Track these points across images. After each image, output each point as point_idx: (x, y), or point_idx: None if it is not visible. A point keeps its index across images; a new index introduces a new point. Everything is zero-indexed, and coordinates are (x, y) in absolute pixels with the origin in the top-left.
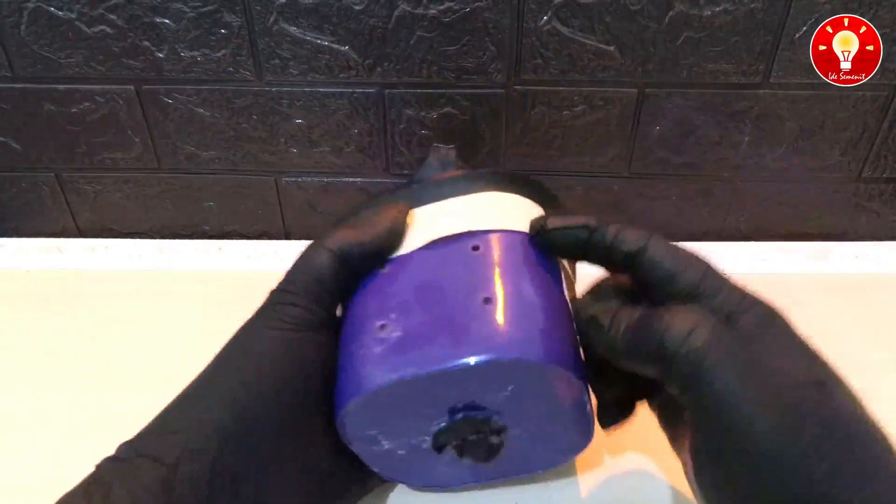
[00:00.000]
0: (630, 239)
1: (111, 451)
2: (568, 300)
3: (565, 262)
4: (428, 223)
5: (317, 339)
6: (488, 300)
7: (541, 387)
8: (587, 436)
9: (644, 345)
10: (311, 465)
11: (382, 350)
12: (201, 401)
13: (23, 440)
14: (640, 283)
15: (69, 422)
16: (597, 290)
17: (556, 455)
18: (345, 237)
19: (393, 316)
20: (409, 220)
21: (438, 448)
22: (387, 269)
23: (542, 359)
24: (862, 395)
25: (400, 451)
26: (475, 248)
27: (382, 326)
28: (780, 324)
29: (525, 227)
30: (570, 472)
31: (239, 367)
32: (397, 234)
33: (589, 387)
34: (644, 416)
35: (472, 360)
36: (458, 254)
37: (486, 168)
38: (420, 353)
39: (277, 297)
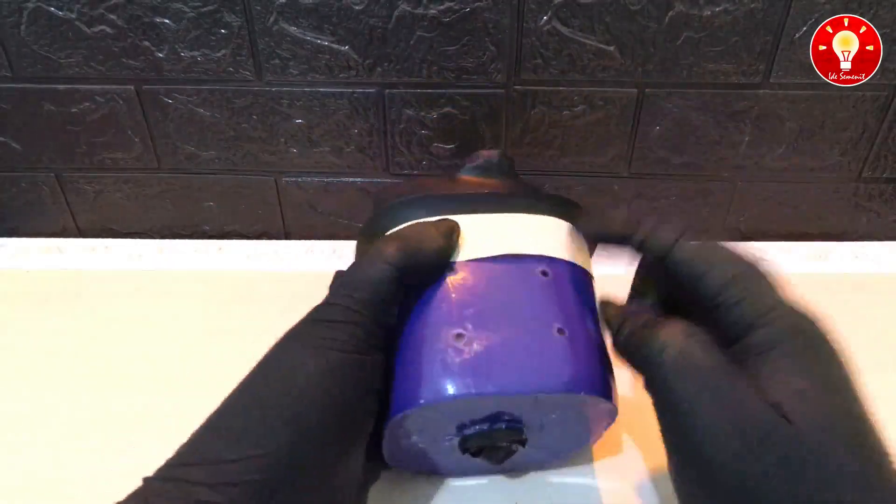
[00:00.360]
0: (659, 240)
1: (111, 451)
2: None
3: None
4: (500, 234)
5: (377, 361)
6: (562, 332)
7: (584, 414)
8: (587, 444)
9: (635, 353)
10: (340, 483)
11: (462, 361)
12: (268, 425)
13: (23, 440)
14: (674, 284)
15: (69, 422)
16: (637, 288)
17: (552, 458)
18: (404, 250)
19: (469, 326)
20: (479, 223)
21: (465, 449)
22: (457, 273)
23: (604, 394)
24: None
25: (421, 446)
26: (544, 274)
27: (459, 336)
28: (797, 341)
29: (584, 263)
30: (570, 470)
31: (304, 397)
32: (448, 254)
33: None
34: (644, 417)
35: (555, 389)
36: (529, 275)
37: (555, 193)
38: (502, 374)
39: (337, 314)
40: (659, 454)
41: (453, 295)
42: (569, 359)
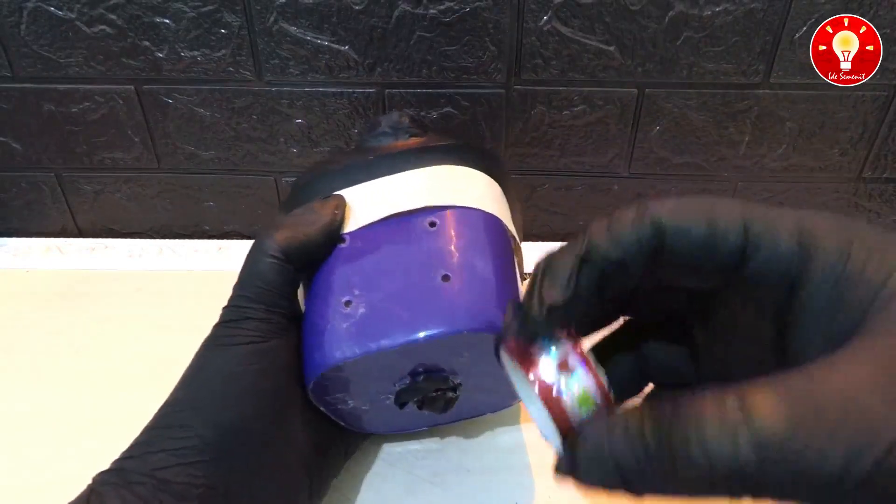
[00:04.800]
0: (626, 221)
1: (111, 451)
2: (518, 272)
3: (515, 235)
4: (386, 196)
5: (283, 342)
6: (447, 277)
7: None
8: None
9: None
10: (293, 458)
11: (348, 325)
12: (185, 422)
13: (23, 440)
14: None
15: (69, 422)
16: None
17: (501, 400)
18: (284, 239)
19: (357, 292)
20: (366, 191)
21: (401, 404)
22: (347, 243)
23: (491, 329)
24: None
25: (364, 407)
26: (432, 224)
27: (347, 302)
28: None
29: (479, 203)
30: None
31: (215, 391)
32: (336, 230)
33: None
34: None
35: (431, 334)
36: (417, 230)
37: (442, 139)
38: (384, 329)
39: (233, 314)
40: None
41: (342, 265)
42: (448, 302)
